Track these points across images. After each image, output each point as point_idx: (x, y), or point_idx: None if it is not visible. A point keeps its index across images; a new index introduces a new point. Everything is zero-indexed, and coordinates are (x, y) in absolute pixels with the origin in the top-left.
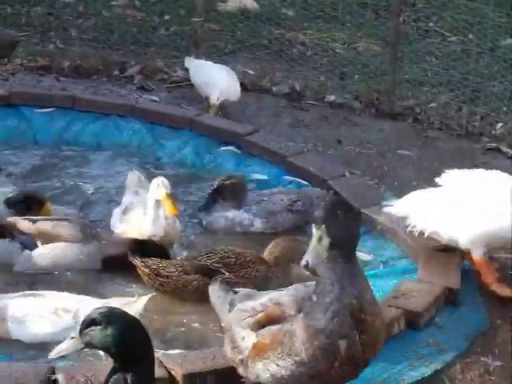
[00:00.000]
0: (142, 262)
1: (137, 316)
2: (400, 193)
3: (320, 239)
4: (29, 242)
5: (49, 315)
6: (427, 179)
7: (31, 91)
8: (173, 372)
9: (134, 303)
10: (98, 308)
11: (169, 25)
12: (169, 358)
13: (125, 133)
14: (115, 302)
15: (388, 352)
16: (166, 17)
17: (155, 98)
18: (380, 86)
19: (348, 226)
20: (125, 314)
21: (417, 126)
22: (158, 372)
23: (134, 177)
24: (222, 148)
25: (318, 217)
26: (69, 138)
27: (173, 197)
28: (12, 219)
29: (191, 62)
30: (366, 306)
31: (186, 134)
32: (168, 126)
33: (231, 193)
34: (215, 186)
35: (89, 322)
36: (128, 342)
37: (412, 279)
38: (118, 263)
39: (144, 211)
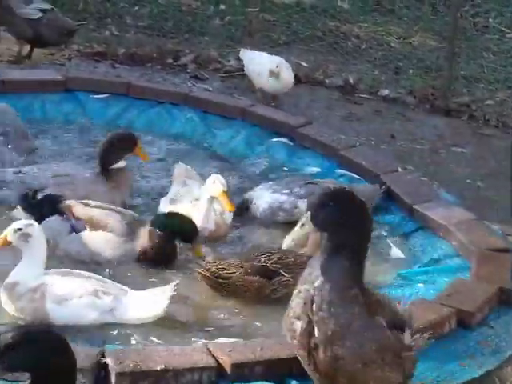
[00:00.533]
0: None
1: (168, 302)
2: (453, 190)
3: (303, 224)
4: (80, 227)
5: (87, 297)
6: (482, 177)
7: (87, 77)
8: (221, 361)
9: (164, 291)
10: (11, 331)
11: (223, 14)
12: (217, 347)
13: (178, 121)
14: (149, 293)
15: (439, 351)
16: (221, 6)
17: (208, 87)
18: (435, 81)
19: (335, 218)
20: (43, 332)
21: (472, 123)
22: (207, 360)
23: (180, 169)
24: (274, 139)
25: (309, 203)
26: (123, 125)
27: (228, 193)
28: (70, 202)
29: (246, 54)
30: (321, 301)
31: (238, 123)
32: (220, 116)
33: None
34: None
35: (5, 347)
36: (48, 361)
37: (465, 278)
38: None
39: (191, 201)
